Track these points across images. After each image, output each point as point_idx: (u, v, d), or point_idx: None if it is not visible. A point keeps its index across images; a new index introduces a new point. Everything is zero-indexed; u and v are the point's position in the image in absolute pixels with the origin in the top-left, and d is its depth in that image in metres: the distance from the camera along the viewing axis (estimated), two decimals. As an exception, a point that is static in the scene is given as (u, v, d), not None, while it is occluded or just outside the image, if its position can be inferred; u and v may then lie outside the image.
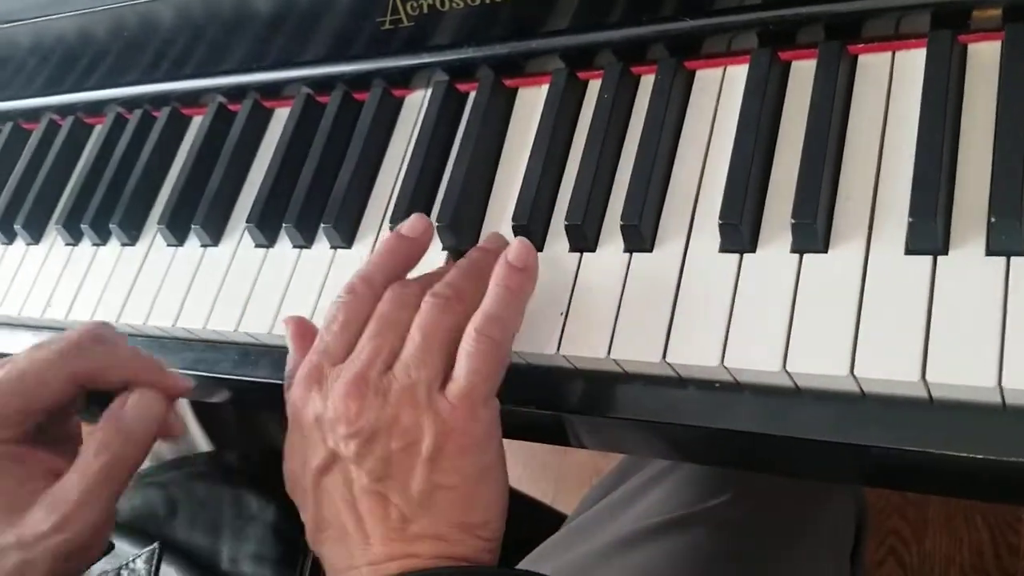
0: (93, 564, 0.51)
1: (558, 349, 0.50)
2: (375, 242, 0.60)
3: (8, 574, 0.48)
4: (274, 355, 0.60)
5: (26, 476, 0.50)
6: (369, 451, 0.45)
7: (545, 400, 0.52)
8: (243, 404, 0.85)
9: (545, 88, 0.59)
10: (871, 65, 0.50)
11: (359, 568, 0.45)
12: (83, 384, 0.51)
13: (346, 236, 0.61)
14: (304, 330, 0.51)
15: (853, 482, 0.72)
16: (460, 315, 0.47)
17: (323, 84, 0.67)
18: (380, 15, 0.59)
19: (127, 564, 0.71)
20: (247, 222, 0.63)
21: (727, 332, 0.46)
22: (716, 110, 0.52)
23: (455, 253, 0.56)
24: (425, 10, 0.57)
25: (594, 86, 0.57)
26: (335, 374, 0.47)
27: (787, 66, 0.52)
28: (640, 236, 0.49)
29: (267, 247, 0.63)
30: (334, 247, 0.61)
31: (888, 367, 0.42)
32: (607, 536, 0.66)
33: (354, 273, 0.50)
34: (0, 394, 0.50)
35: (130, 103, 0.76)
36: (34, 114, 0.82)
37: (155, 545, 0.71)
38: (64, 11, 0.70)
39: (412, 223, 0.52)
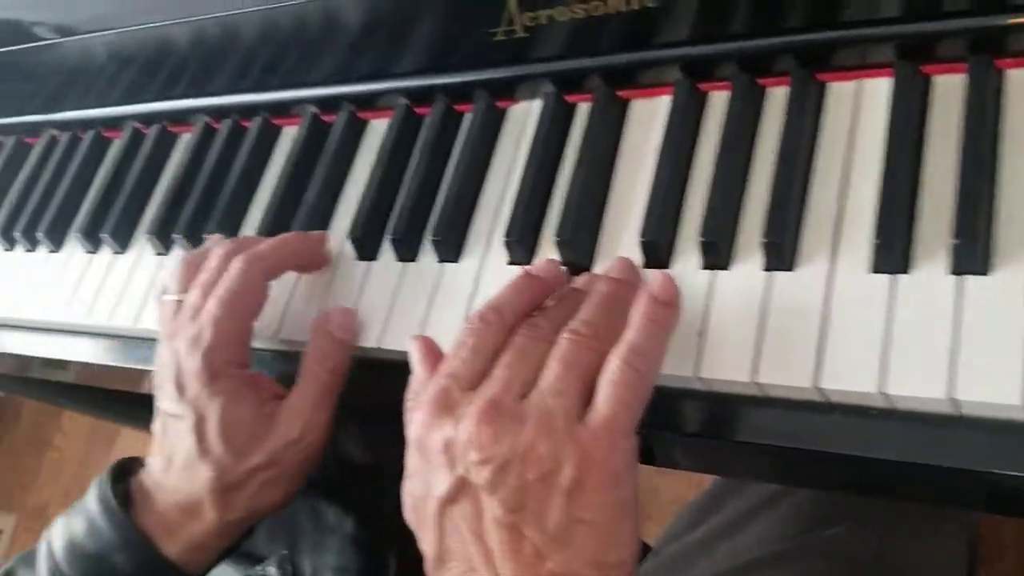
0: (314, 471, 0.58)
1: (695, 371, 0.48)
2: (482, 256, 0.58)
3: (256, 494, 0.55)
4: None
5: (260, 401, 0.55)
6: (503, 480, 0.43)
7: (658, 422, 0.50)
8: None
9: (661, 100, 0.57)
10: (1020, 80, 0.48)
11: None
12: (272, 277, 0.58)
13: (453, 250, 0.59)
14: (432, 350, 0.50)
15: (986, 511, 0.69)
16: (598, 353, 0.45)
17: (421, 95, 0.66)
18: (492, 26, 0.57)
19: (260, 570, 0.69)
20: (349, 236, 0.62)
21: (884, 357, 0.43)
22: (853, 124, 0.51)
23: (573, 268, 0.54)
24: (543, 21, 0.56)
25: (716, 99, 0.55)
26: (466, 400, 0.45)
27: (928, 80, 0.50)
28: (782, 254, 0.48)
29: (370, 261, 0.61)
30: (442, 261, 0.59)
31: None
32: (713, 567, 0.64)
33: (487, 304, 0.48)
34: (225, 319, 0.55)
35: (218, 113, 0.75)
36: (115, 122, 0.81)
37: (284, 551, 0.70)
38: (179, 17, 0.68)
39: (545, 267, 0.51)
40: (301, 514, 0.76)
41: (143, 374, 0.71)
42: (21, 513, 2.09)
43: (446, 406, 0.45)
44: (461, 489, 0.44)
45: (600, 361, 0.45)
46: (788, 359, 0.46)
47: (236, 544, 0.60)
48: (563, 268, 0.52)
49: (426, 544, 0.46)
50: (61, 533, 0.57)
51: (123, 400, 1.10)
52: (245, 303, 0.56)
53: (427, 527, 0.46)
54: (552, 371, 0.44)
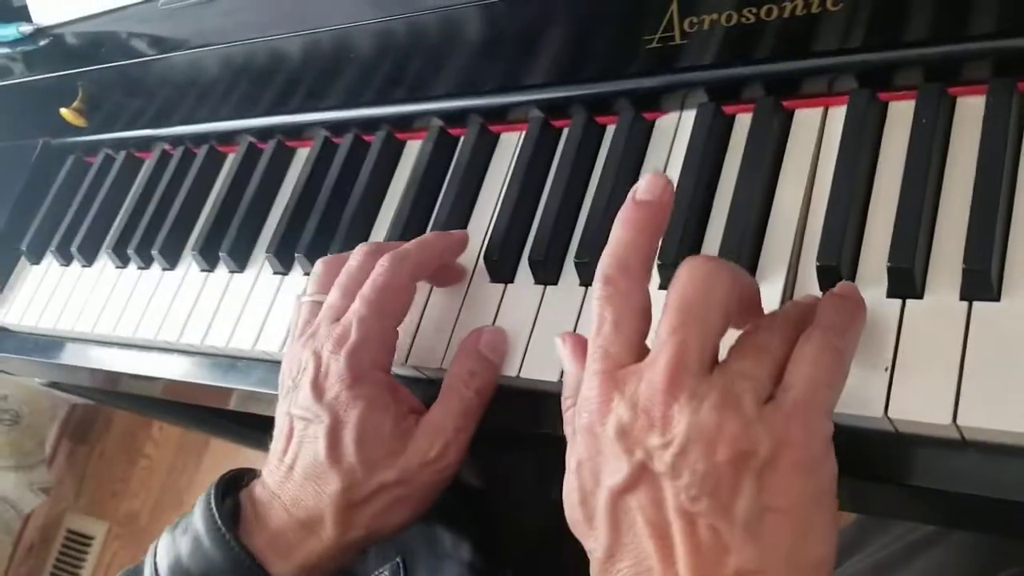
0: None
1: (886, 411, 0.43)
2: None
3: (380, 513, 0.52)
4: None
5: (400, 415, 0.53)
6: (686, 463, 0.38)
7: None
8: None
9: (833, 110, 0.52)
10: None
11: None
12: (418, 278, 0.55)
13: (550, 275, 0.56)
14: (581, 345, 0.46)
15: None
16: (790, 343, 0.41)
17: (557, 107, 0.62)
18: (650, 32, 0.53)
19: None
20: (482, 257, 0.59)
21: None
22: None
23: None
24: (705, 26, 0.51)
25: (895, 109, 0.51)
26: (635, 378, 0.40)
27: None
28: (987, 283, 0.43)
29: (506, 283, 0.58)
30: (584, 284, 0.55)
31: None
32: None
33: (604, 261, 0.43)
34: (372, 319, 0.52)
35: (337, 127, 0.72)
36: (229, 137, 0.79)
37: (397, 559, 0.66)
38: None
39: (649, 183, 0.45)
40: (415, 538, 0.73)
41: (231, 392, 0.69)
42: (113, 520, 2.11)
43: (616, 387, 0.40)
44: (640, 476, 0.39)
45: (790, 350, 0.40)
46: (996, 399, 0.41)
47: (347, 568, 0.56)
48: (669, 179, 0.45)
49: (594, 541, 0.41)
50: (166, 551, 0.53)
51: (211, 412, 1.10)
52: (392, 303, 0.54)
53: (596, 523, 0.41)
54: (742, 355, 0.40)
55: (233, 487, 0.55)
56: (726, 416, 0.38)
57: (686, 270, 0.41)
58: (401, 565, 0.68)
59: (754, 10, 0.50)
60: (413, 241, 0.57)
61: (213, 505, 0.52)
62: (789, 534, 0.38)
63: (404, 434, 0.52)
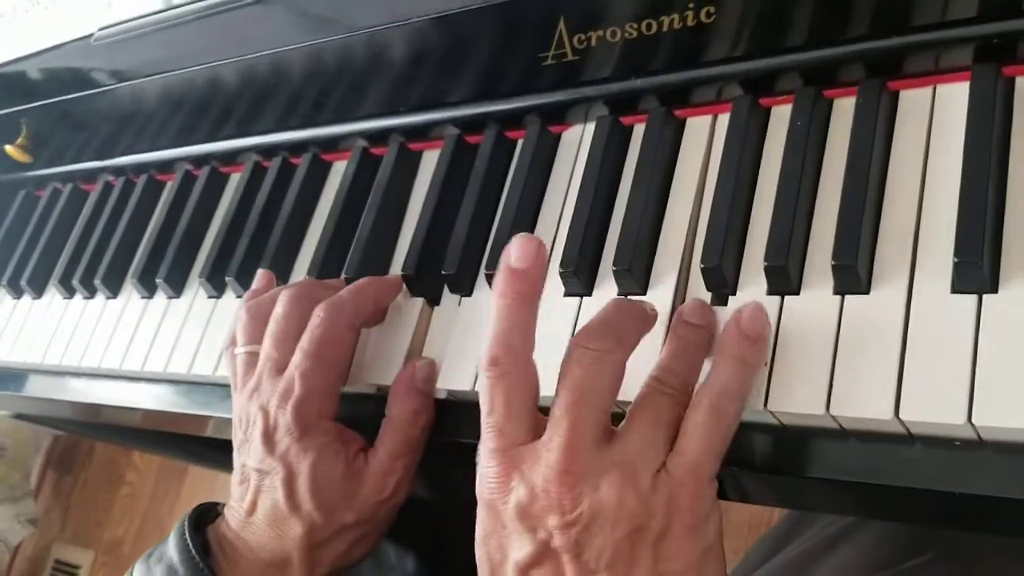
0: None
1: (765, 404, 0.45)
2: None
3: (344, 552, 0.54)
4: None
5: (350, 457, 0.54)
6: (588, 541, 0.40)
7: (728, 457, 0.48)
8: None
9: (719, 117, 0.54)
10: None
11: None
12: (356, 327, 0.56)
13: (464, 287, 0.58)
14: None
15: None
16: (682, 405, 0.43)
17: (472, 124, 0.64)
18: (543, 50, 0.55)
19: None
20: (402, 270, 0.60)
21: (972, 384, 0.40)
22: (929, 134, 0.47)
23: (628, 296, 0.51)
24: (593, 43, 0.53)
25: (778, 113, 0.53)
26: (532, 457, 0.42)
27: (1011, 82, 0.47)
28: (856, 277, 0.44)
29: (429, 298, 0.60)
30: (455, 295, 0.57)
31: None
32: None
33: (488, 343, 0.44)
34: (316, 372, 0.53)
35: (266, 151, 0.74)
36: (167, 166, 0.81)
37: None
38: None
39: (521, 249, 0.45)
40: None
41: (207, 419, 0.70)
42: (98, 548, 2.12)
43: (512, 465, 0.42)
44: (544, 554, 0.42)
45: (683, 412, 0.43)
46: (865, 389, 0.42)
47: None
48: (540, 242, 0.46)
49: None
50: None
51: (188, 440, 1.11)
52: (332, 353, 0.55)
53: None
54: (637, 427, 0.42)
55: (204, 521, 0.57)
56: (624, 493, 0.40)
57: (575, 355, 0.43)
58: None
59: (635, 25, 0.52)
60: (347, 288, 0.57)
61: (188, 537, 0.54)
62: None
63: (356, 474, 0.54)
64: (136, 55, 0.74)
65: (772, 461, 0.47)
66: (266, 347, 0.56)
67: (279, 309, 0.56)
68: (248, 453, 0.54)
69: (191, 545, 0.53)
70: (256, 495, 0.54)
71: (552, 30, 0.54)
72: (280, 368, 0.55)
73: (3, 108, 0.83)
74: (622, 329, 0.44)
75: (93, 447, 2.17)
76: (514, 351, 0.44)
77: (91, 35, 0.74)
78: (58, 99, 0.80)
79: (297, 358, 0.54)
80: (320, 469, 0.52)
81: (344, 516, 0.53)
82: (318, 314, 0.54)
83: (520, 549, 0.42)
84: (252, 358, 0.57)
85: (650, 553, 0.40)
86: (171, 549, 0.54)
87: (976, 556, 0.59)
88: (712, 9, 0.49)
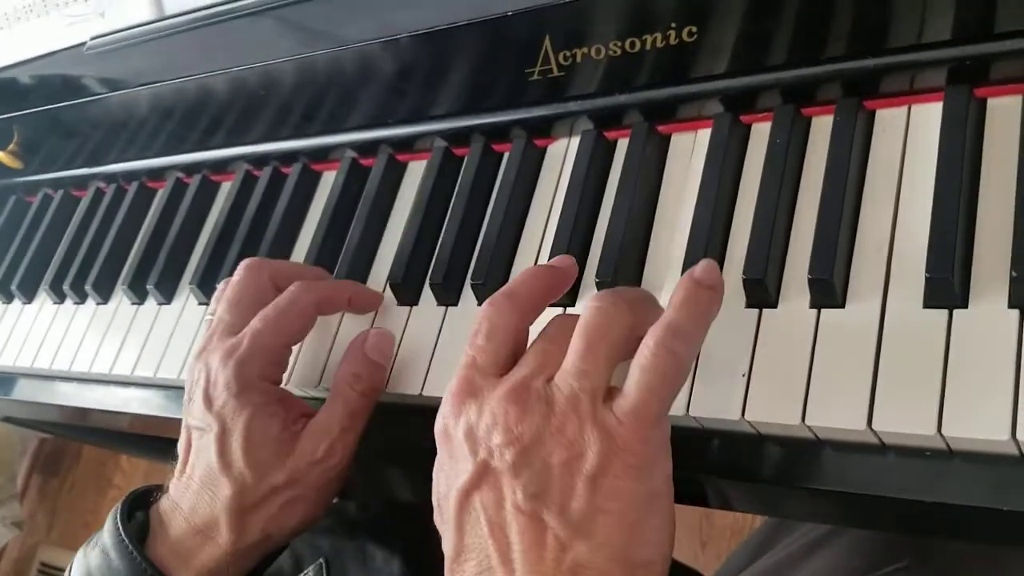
0: (334, 499, 0.58)
1: (743, 414, 0.46)
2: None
3: (274, 516, 0.54)
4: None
5: (290, 419, 0.55)
6: (527, 462, 0.41)
7: (711, 467, 0.49)
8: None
9: (700, 133, 0.56)
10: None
11: None
12: (321, 311, 0.58)
13: (450, 297, 0.59)
14: None
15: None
16: (628, 328, 0.43)
17: (459, 137, 0.65)
18: (529, 66, 0.57)
19: None
20: (388, 279, 0.61)
21: (942, 396, 0.42)
22: (904, 152, 0.49)
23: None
24: (578, 59, 0.55)
25: (759, 130, 0.54)
26: (490, 384, 0.44)
27: (983, 103, 0.48)
28: (831, 291, 0.46)
29: (411, 306, 0.61)
30: (442, 305, 0.59)
31: None
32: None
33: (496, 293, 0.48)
34: (266, 334, 0.55)
35: (258, 160, 0.75)
36: (159, 173, 0.82)
37: (321, 560, 0.68)
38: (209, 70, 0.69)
39: (561, 260, 0.52)
40: (348, 556, 0.76)
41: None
42: (84, 552, 2.11)
43: (469, 392, 0.44)
44: (483, 475, 0.42)
45: (631, 336, 0.43)
46: (840, 400, 0.44)
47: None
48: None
49: (446, 543, 0.44)
50: (79, 566, 0.56)
51: (174, 443, 1.12)
52: (289, 324, 0.56)
53: (447, 524, 0.44)
54: (576, 350, 0.42)
55: (143, 503, 0.57)
56: (566, 420, 0.41)
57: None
58: (324, 566, 0.70)
59: (619, 43, 0.53)
60: (330, 280, 0.60)
61: (119, 520, 0.54)
62: (620, 534, 0.40)
63: (292, 437, 0.54)
64: (128, 64, 0.75)
65: (751, 470, 0.48)
66: (220, 310, 0.58)
67: (235, 276, 0.59)
68: (190, 412, 0.55)
69: (121, 528, 0.53)
70: (195, 456, 0.54)
71: (538, 47, 0.55)
72: (232, 331, 0.56)
73: (-4, 114, 0.84)
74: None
75: (81, 450, 2.18)
76: (514, 299, 0.47)
77: (83, 44, 0.75)
78: (50, 107, 0.81)
79: (255, 320, 0.55)
80: (254, 426, 0.53)
81: (275, 477, 0.53)
82: (290, 288, 0.57)
83: (463, 473, 0.42)
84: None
85: (588, 486, 0.40)
86: (105, 534, 0.54)
87: (951, 563, 0.60)
88: (694, 29, 0.51)
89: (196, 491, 0.54)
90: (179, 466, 0.56)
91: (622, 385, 0.42)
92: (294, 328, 0.56)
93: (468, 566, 0.42)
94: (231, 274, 0.68)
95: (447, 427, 0.44)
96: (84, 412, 0.76)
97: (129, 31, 0.73)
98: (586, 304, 0.44)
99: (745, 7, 0.50)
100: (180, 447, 0.56)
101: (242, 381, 0.54)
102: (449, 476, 0.44)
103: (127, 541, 0.53)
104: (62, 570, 2.10)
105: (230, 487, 0.53)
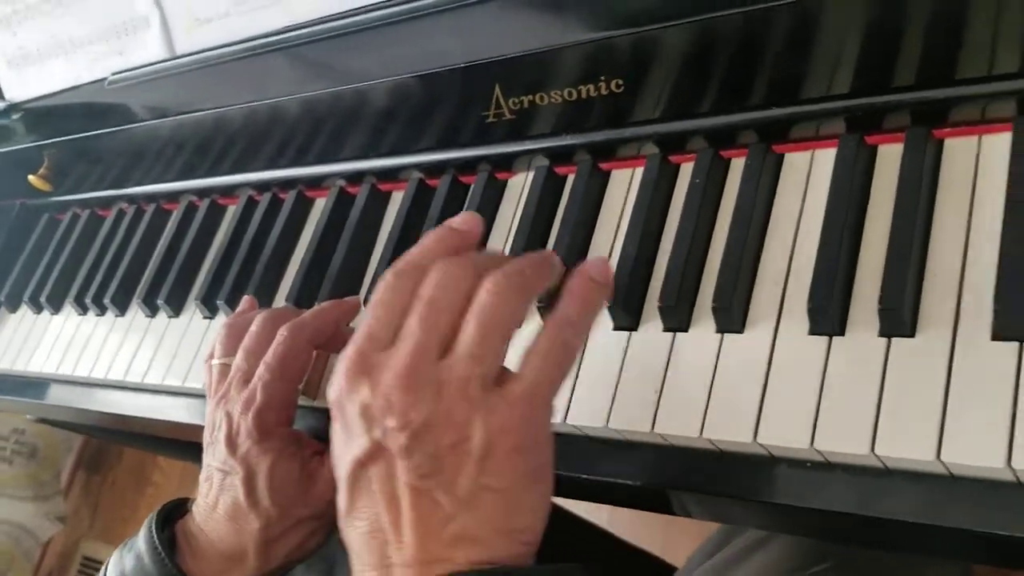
0: None
1: (652, 427, 0.52)
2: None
3: (298, 544, 0.61)
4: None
5: (305, 459, 0.61)
6: (418, 446, 0.43)
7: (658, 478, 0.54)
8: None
9: (637, 171, 0.61)
10: (958, 149, 0.51)
11: (392, 568, 0.44)
12: (316, 346, 0.63)
13: None
14: None
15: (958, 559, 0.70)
16: (521, 307, 0.46)
17: (434, 169, 0.72)
18: (484, 110, 0.63)
19: None
20: (364, 305, 0.68)
21: (816, 414, 0.47)
22: (805, 192, 0.54)
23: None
24: (526, 105, 0.61)
25: (687, 169, 0.60)
26: (382, 361, 0.44)
27: (874, 150, 0.53)
28: (731, 318, 0.52)
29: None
30: None
31: (974, 451, 0.43)
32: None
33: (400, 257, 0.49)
34: (274, 383, 0.60)
35: (260, 187, 0.83)
36: (174, 196, 0.89)
37: (324, 564, 0.75)
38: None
39: (464, 218, 0.52)
40: (340, 552, 0.82)
41: None
42: (123, 546, 2.21)
43: (363, 369, 0.45)
44: (376, 453, 0.44)
45: (521, 315, 0.46)
46: (733, 416, 0.49)
47: None
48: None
49: (341, 497, 0.47)
50: (115, 566, 0.63)
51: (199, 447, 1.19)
52: (291, 368, 0.61)
53: (342, 484, 0.46)
54: (469, 333, 0.44)
55: (172, 517, 0.64)
56: (456, 404, 0.43)
57: (431, 277, 0.46)
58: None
59: (559, 92, 0.59)
60: (310, 311, 0.64)
61: (154, 531, 0.61)
62: (502, 508, 0.44)
63: (311, 475, 0.60)
64: (144, 98, 0.83)
65: (708, 483, 0.52)
66: (238, 359, 0.63)
67: (253, 327, 0.64)
68: (213, 454, 0.61)
69: (156, 538, 0.60)
70: (219, 492, 0.61)
71: (490, 94, 0.62)
72: (248, 379, 0.62)
73: (27, 141, 0.92)
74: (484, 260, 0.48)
75: (123, 449, 2.27)
76: (419, 268, 0.47)
77: (105, 79, 0.83)
78: (76, 135, 0.89)
79: (260, 370, 0.61)
80: (277, 470, 0.59)
81: (299, 511, 0.59)
82: (282, 332, 0.62)
83: (358, 446, 0.45)
84: (225, 369, 0.64)
85: (476, 466, 0.43)
86: (140, 541, 0.61)
87: (872, 566, 0.65)
88: (620, 81, 0.56)
89: (222, 522, 0.60)
90: (203, 496, 0.62)
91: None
92: (297, 371, 0.62)
93: (359, 523, 0.45)
94: (230, 292, 0.76)
95: (341, 400, 0.46)
96: (93, 414, 0.84)
97: (145, 68, 0.80)
98: (485, 285, 0.45)
99: (664, 64, 0.56)
100: (203, 480, 0.62)
101: (262, 430, 0.59)
102: (344, 445, 0.46)
103: (161, 551, 0.59)
104: (103, 563, 2.19)
105: (258, 521, 0.59)
